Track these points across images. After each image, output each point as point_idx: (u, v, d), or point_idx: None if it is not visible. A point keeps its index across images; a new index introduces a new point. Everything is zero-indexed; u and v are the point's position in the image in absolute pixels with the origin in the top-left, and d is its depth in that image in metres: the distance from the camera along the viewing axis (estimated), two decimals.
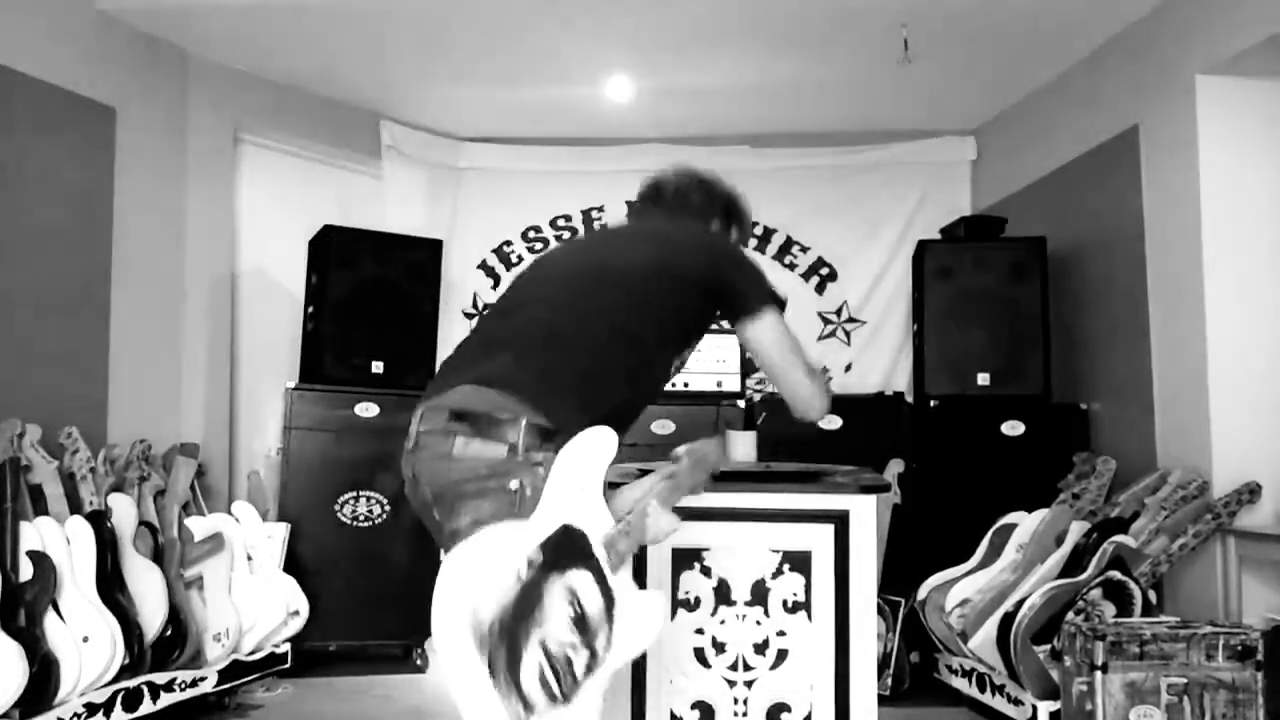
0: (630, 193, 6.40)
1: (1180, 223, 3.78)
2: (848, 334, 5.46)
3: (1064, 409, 4.35)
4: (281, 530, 4.15)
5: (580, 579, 1.50)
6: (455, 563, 1.54)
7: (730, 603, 2.29)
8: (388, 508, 4.52)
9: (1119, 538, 3.34)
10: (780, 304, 2.04)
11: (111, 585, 3.23)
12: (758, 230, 5.52)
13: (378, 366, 4.57)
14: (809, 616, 2.27)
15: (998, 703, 3.47)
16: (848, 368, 5.42)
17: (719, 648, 2.28)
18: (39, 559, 3.05)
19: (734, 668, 2.27)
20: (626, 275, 1.93)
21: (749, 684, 2.26)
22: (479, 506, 1.65)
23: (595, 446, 1.61)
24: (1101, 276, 4.35)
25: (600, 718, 1.53)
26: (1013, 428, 4.26)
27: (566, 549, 1.52)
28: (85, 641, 3.06)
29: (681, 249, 2.01)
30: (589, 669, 1.47)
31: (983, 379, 4.34)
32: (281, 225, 4.96)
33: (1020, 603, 3.32)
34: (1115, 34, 4.22)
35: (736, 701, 2.26)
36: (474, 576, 1.50)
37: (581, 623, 1.47)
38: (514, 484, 1.64)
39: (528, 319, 1.90)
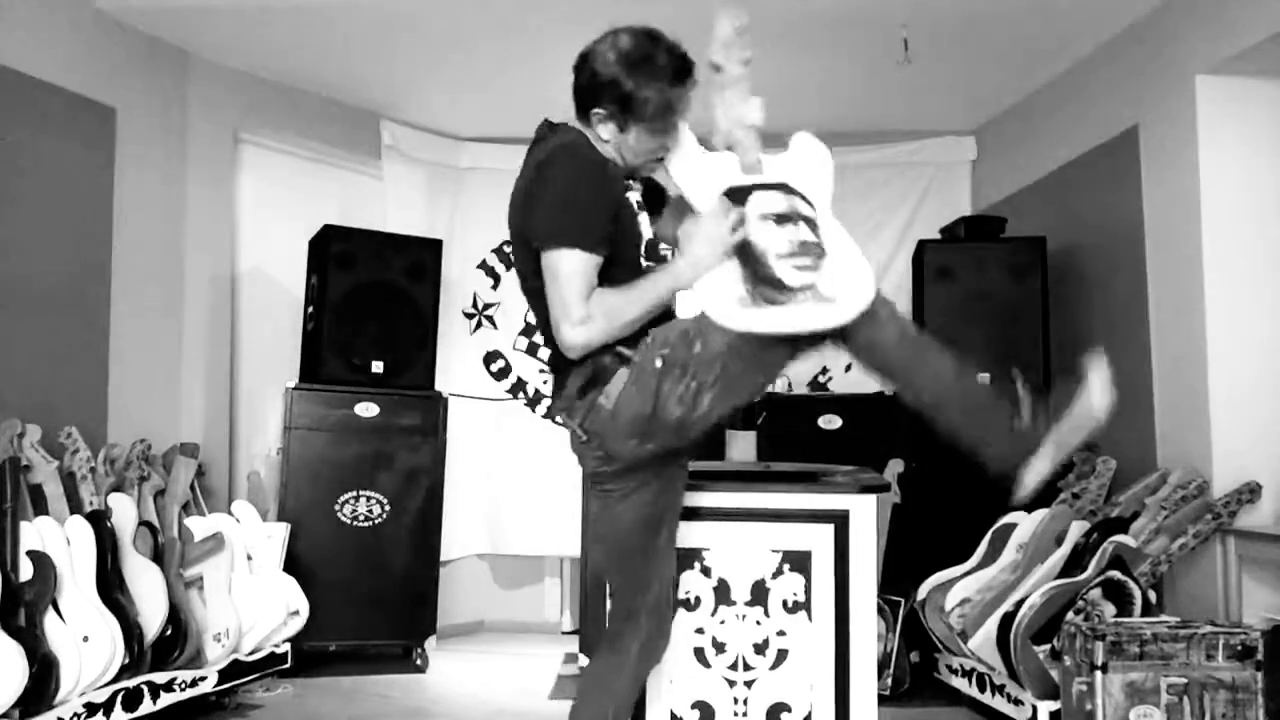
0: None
1: (1180, 223, 3.78)
2: None
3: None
4: (281, 530, 4.15)
5: (799, 205, 2.06)
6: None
7: (730, 603, 2.29)
8: (388, 508, 4.52)
9: (1119, 538, 3.34)
10: (576, 242, 1.97)
11: (111, 585, 3.23)
12: None
13: (378, 366, 4.57)
14: (809, 616, 2.27)
15: (998, 703, 3.47)
16: (848, 368, 5.41)
17: (719, 648, 2.28)
18: (39, 559, 3.05)
19: (734, 668, 2.27)
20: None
21: (749, 684, 2.26)
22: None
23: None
24: (1101, 276, 4.35)
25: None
26: None
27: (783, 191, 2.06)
28: (85, 641, 3.06)
29: (513, 204, 2.11)
30: (813, 224, 2.02)
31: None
32: (281, 225, 4.96)
33: (1020, 603, 3.32)
34: (1115, 34, 4.22)
35: (736, 701, 2.26)
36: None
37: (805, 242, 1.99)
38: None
39: None
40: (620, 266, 2.04)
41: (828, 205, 2.09)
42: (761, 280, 1.96)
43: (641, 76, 2.04)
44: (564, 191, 2.00)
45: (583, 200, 1.99)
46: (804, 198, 2.06)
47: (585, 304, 1.96)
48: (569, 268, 1.95)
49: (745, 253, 1.99)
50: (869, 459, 4.17)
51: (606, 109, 2.06)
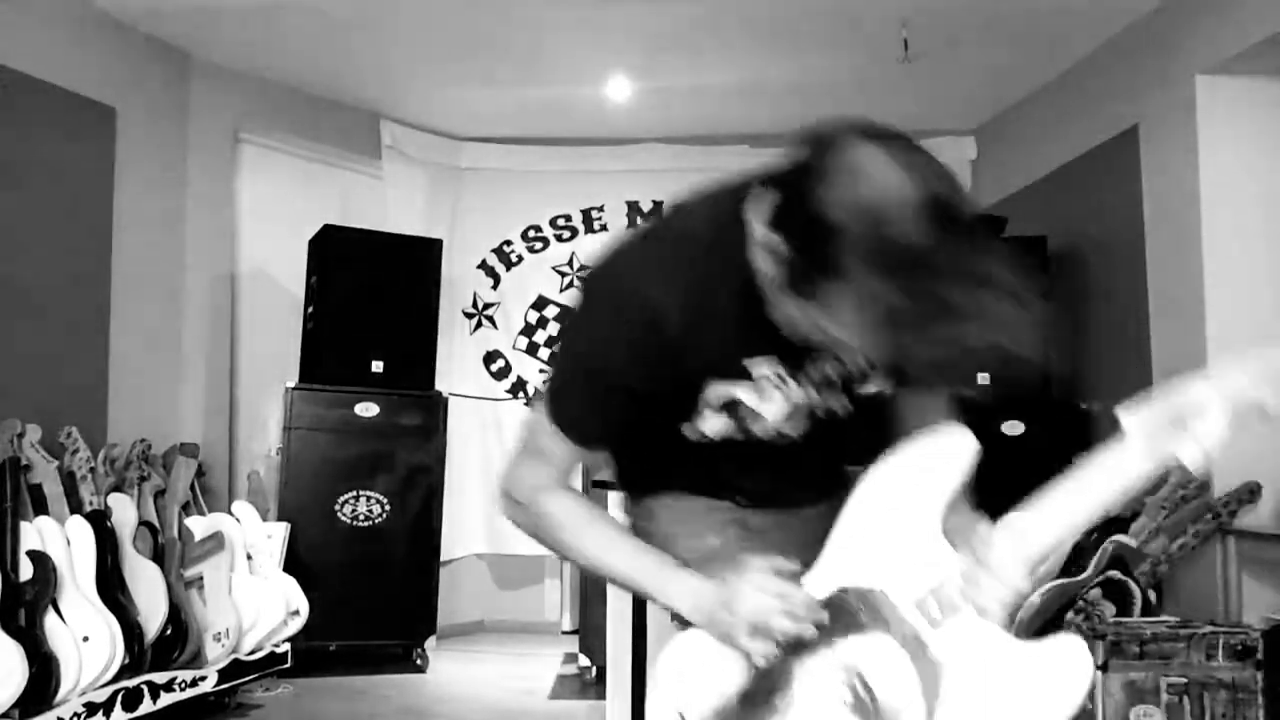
0: (630, 192, 6.38)
1: (1180, 223, 3.78)
2: None
3: (1064, 409, 4.35)
4: (281, 530, 4.15)
5: (867, 649, 1.20)
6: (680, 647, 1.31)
7: None
8: (388, 508, 4.52)
9: (1119, 537, 3.34)
10: (549, 406, 1.35)
11: (111, 585, 3.23)
12: None
13: (378, 366, 4.57)
14: None
15: None
16: None
17: None
18: (39, 559, 3.05)
19: None
20: None
21: None
22: None
23: (943, 450, 1.28)
24: (1101, 276, 4.35)
25: None
26: (1013, 428, 4.25)
27: (842, 613, 1.22)
28: (85, 641, 3.06)
29: None
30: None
31: (982, 379, 4.34)
32: (281, 225, 4.95)
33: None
34: (1115, 34, 4.21)
35: None
36: (689, 664, 1.27)
37: (864, 708, 1.17)
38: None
39: None
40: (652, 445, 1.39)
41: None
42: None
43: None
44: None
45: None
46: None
47: (529, 488, 1.37)
48: (533, 422, 1.38)
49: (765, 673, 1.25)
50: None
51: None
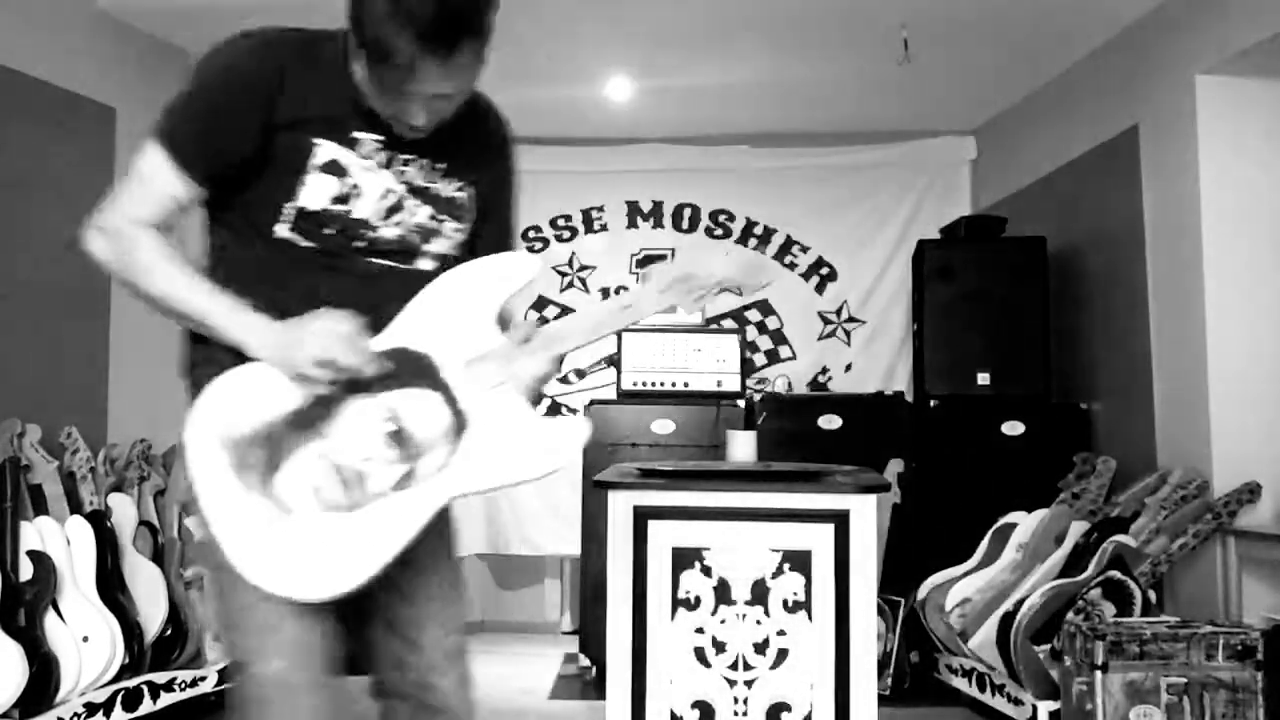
0: (630, 192, 6.40)
1: (1180, 223, 3.78)
2: (848, 334, 5.46)
3: (1064, 409, 4.35)
4: None
5: (410, 396, 1.47)
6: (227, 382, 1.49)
7: (730, 602, 2.29)
8: None
9: (1119, 537, 3.35)
10: (161, 123, 1.57)
11: (111, 585, 3.23)
12: (757, 230, 5.53)
13: None
14: (809, 616, 2.27)
15: (998, 703, 3.47)
16: (848, 368, 5.42)
17: (719, 647, 2.28)
18: (39, 559, 3.05)
19: (734, 667, 2.27)
20: None
21: (749, 684, 2.26)
22: None
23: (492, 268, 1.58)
24: (1101, 276, 4.35)
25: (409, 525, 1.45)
26: (1013, 427, 4.26)
27: (401, 366, 1.49)
28: (85, 641, 3.06)
29: None
30: (402, 484, 1.44)
31: (983, 379, 4.35)
32: None
33: (1020, 602, 3.32)
34: (1115, 34, 4.22)
35: (736, 701, 2.26)
36: (237, 392, 1.48)
37: (400, 438, 1.45)
38: None
39: None
40: (246, 239, 1.53)
41: (463, 490, 1.51)
42: (269, 443, 1.46)
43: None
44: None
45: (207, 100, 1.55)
46: (450, 455, 1.49)
47: (125, 218, 1.55)
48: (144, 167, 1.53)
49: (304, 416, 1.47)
50: (869, 459, 4.17)
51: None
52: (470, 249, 1.64)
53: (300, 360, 1.42)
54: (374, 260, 1.54)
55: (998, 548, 3.79)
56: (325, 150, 1.49)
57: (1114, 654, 2.86)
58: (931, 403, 4.36)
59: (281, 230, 1.51)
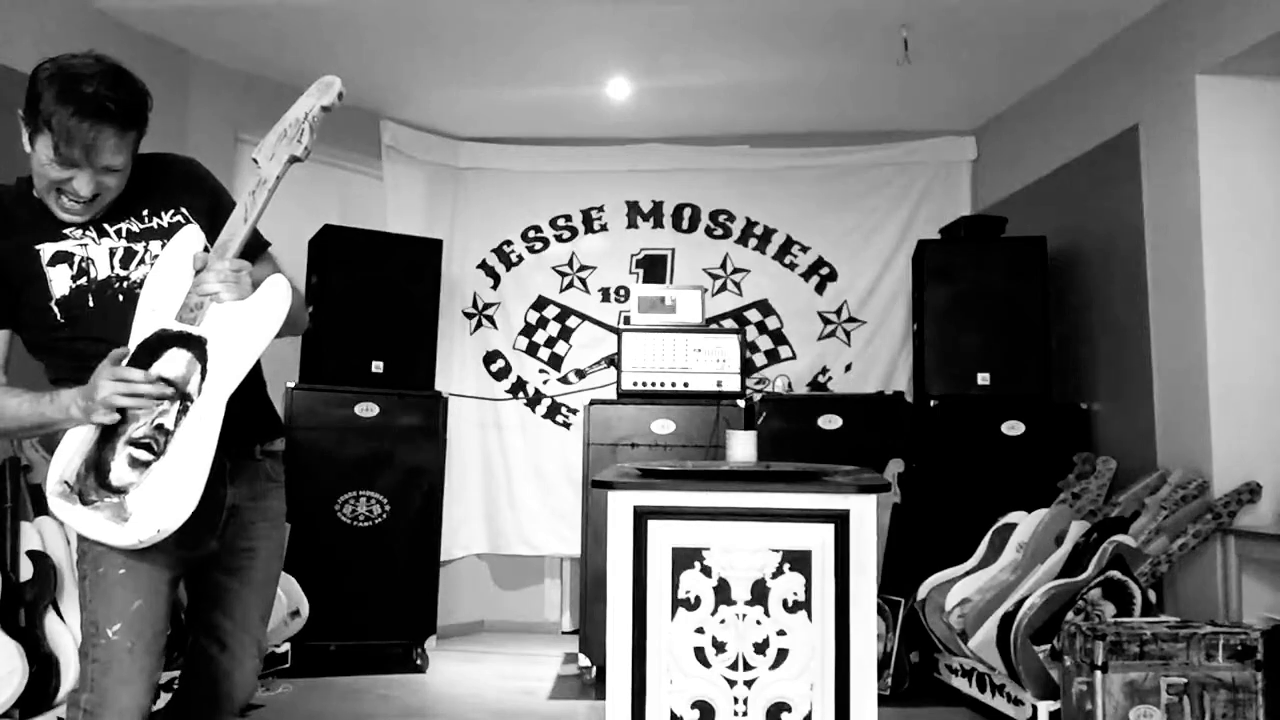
0: (630, 192, 6.40)
1: (1180, 223, 3.78)
2: (848, 334, 5.46)
3: (1064, 409, 4.35)
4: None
5: (166, 360, 1.81)
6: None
7: (730, 602, 2.29)
8: (388, 508, 4.52)
9: (1119, 537, 3.35)
10: None
11: None
12: (757, 230, 5.53)
13: (378, 366, 4.58)
14: (809, 616, 2.27)
15: (998, 703, 3.47)
16: (848, 368, 5.43)
17: (719, 647, 2.28)
18: (39, 559, 3.05)
19: (734, 667, 2.27)
20: None
21: (749, 683, 2.26)
22: None
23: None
24: (1101, 276, 4.35)
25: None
26: (1013, 427, 4.26)
27: (157, 346, 1.83)
28: None
29: None
30: (185, 410, 1.79)
31: (983, 379, 4.35)
32: (281, 225, 4.92)
33: (1020, 602, 3.32)
34: (1115, 34, 4.22)
35: (736, 701, 2.26)
36: (68, 445, 1.82)
37: (171, 388, 1.78)
38: None
39: None
40: (43, 342, 1.99)
41: (227, 388, 1.84)
42: (94, 465, 1.78)
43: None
44: None
45: None
46: (204, 372, 1.82)
47: None
48: None
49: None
50: (869, 459, 4.18)
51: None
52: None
53: (100, 402, 1.75)
54: (120, 297, 1.92)
55: (998, 548, 3.79)
56: (45, 250, 1.89)
57: (1114, 654, 2.86)
58: (931, 403, 4.36)
59: (58, 316, 1.91)
